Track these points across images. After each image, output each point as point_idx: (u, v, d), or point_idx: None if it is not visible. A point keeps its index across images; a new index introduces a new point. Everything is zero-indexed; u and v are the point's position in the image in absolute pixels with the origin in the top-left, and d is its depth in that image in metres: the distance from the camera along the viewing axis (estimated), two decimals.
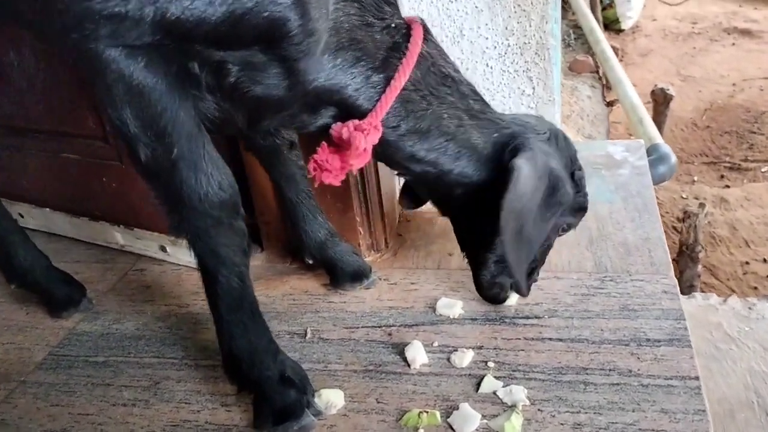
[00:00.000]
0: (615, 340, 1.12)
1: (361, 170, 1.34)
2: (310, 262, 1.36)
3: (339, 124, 0.97)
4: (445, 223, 1.54)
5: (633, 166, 1.61)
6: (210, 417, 1.09)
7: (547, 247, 1.19)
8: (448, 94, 1.03)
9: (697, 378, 1.03)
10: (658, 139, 1.93)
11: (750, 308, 1.78)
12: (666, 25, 5.94)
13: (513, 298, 1.24)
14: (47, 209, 1.70)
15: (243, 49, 0.84)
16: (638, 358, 1.08)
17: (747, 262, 3.17)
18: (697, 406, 0.98)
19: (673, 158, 1.78)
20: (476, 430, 1.00)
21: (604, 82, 3.03)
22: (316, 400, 1.07)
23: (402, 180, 1.50)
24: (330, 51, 0.90)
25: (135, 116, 0.84)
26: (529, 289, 1.17)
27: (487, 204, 1.04)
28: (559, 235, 1.19)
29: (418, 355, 1.13)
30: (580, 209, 1.18)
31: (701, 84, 4.92)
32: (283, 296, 1.36)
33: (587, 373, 1.07)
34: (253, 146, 1.22)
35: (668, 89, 3.53)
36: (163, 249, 1.53)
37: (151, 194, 0.95)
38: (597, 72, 3.08)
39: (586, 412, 1.00)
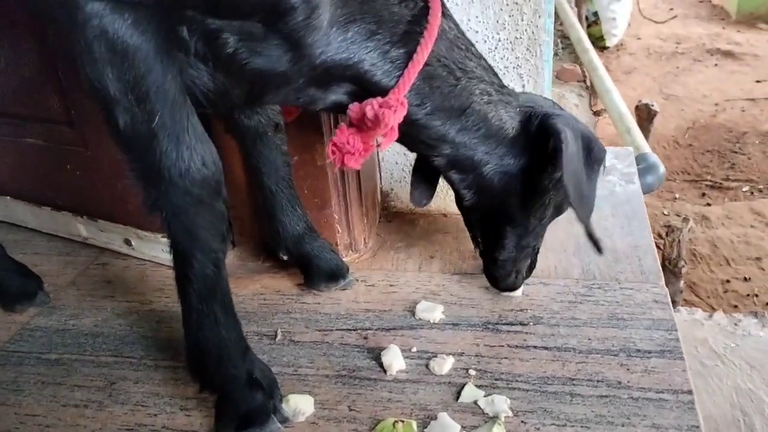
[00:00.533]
0: (603, 350, 1.06)
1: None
2: (285, 258, 1.28)
3: (357, 104, 0.91)
4: (427, 224, 1.48)
5: (622, 173, 1.57)
6: (168, 421, 1.00)
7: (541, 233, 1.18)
8: (475, 68, 0.99)
9: (690, 392, 0.97)
10: (646, 148, 1.89)
11: (736, 324, 1.74)
12: (650, 44, 5.98)
13: (518, 290, 1.21)
14: (8, 197, 1.60)
15: (241, 20, 0.78)
16: (628, 369, 1.02)
17: (728, 281, 3.16)
18: (691, 422, 0.92)
19: (662, 168, 1.74)
20: None
21: (591, 92, 3.01)
22: (283, 405, 0.99)
23: (391, 174, 1.46)
24: (339, 24, 0.84)
25: (116, 77, 0.77)
26: (525, 276, 1.20)
27: (515, 182, 1.05)
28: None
29: (395, 360, 1.06)
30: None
31: (684, 103, 4.95)
32: (253, 295, 1.28)
33: (574, 384, 1.00)
34: (236, 126, 1.14)
35: (653, 105, 3.52)
36: (127, 242, 1.44)
37: (127, 167, 0.87)
38: (584, 81, 3.06)
39: (572, 426, 0.93)
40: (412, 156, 1.46)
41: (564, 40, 3.27)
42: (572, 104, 2.89)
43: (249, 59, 0.82)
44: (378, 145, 0.94)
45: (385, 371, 1.06)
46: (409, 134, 0.97)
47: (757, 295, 3.00)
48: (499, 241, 1.13)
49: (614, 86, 2.39)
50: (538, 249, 1.20)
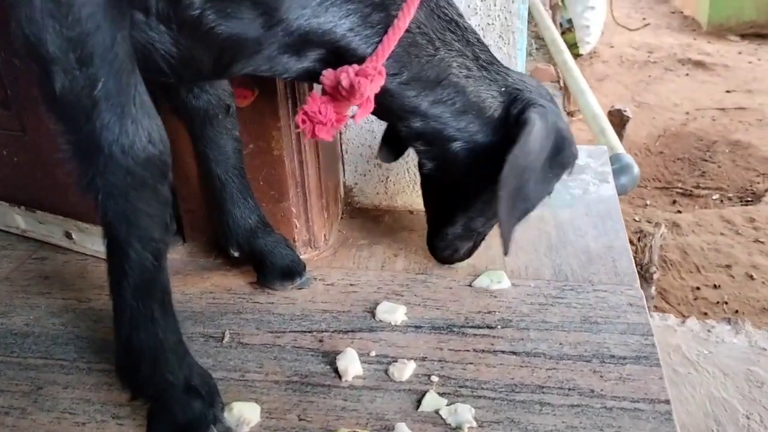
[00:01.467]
0: (575, 355, 0.99)
1: (299, 153, 1.19)
2: (236, 254, 1.18)
3: (331, 70, 0.84)
4: (393, 221, 1.40)
5: (596, 172, 1.50)
6: (97, 431, 0.90)
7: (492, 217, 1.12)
8: (455, 40, 0.93)
9: (667, 401, 0.90)
10: (621, 149, 1.84)
11: (709, 331, 1.69)
12: (623, 52, 6.02)
13: (505, 282, 1.17)
14: None
15: None
16: (601, 376, 0.95)
17: (698, 288, 3.14)
18: None
19: (636, 169, 1.69)
20: None
21: (565, 93, 2.98)
22: (225, 415, 0.90)
23: (356, 168, 1.37)
24: None
25: (57, 33, 0.67)
26: (464, 258, 1.19)
27: (486, 163, 0.98)
28: None
29: (351, 365, 0.98)
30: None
31: (655, 111, 4.97)
32: (201, 294, 1.18)
33: (544, 392, 0.93)
34: (183, 108, 1.04)
35: (625, 110, 3.49)
36: (68, 236, 1.33)
37: (61, 139, 0.77)
38: (558, 82, 3.03)
39: None
40: (376, 149, 1.38)
41: (538, 41, 3.24)
42: None
43: (217, 23, 0.74)
44: (352, 116, 0.87)
45: (340, 377, 0.97)
46: (380, 103, 0.90)
47: (726, 303, 2.98)
48: (449, 217, 1.10)
49: (588, 87, 2.35)
50: (485, 236, 1.17)
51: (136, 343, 0.86)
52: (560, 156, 1.02)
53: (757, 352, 1.61)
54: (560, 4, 5.05)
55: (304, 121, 0.87)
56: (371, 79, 0.82)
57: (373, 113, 0.94)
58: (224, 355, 1.03)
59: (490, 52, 0.99)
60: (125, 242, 0.80)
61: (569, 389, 0.93)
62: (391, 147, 1.17)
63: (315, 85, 1.06)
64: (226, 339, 1.07)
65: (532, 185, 1.00)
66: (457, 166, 1.01)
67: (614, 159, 1.70)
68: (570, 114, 3.01)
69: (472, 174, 1.02)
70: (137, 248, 0.81)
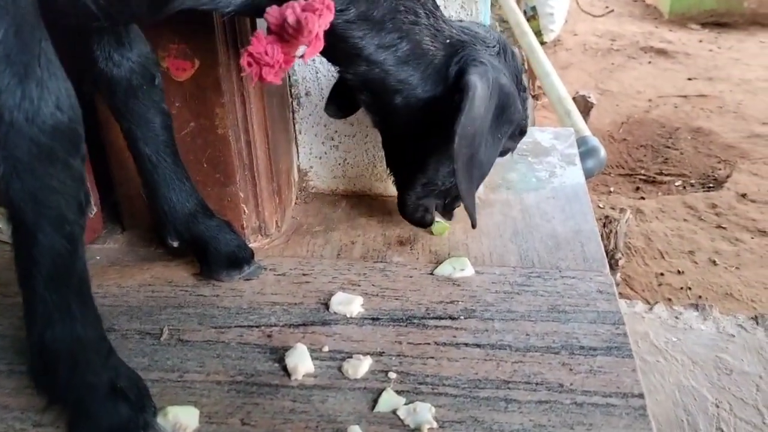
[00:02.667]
0: (543, 347, 0.92)
1: (246, 132, 1.09)
2: (174, 243, 1.08)
3: (275, 7, 0.76)
4: (350, 207, 1.31)
5: (562, 154, 1.44)
6: None
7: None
8: None
9: (641, 395, 0.84)
10: (587, 132, 1.79)
11: (677, 317, 1.65)
12: (586, 40, 6.02)
13: (469, 270, 1.10)
14: None
15: None
16: (571, 369, 0.88)
17: (662, 274, 3.14)
18: (643, 431, 0.79)
19: (602, 152, 1.64)
20: None
21: (530, 76, 2.92)
22: (159, 420, 0.81)
23: (310, 150, 1.28)
24: None
25: None
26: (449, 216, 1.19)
27: (427, 119, 0.96)
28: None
29: (301, 362, 0.89)
30: (521, 133, 1.13)
31: (618, 98, 4.98)
32: (140, 287, 1.08)
33: (509, 388, 0.86)
34: (103, 77, 0.92)
35: (589, 96, 3.47)
36: None
37: None
38: (523, 65, 2.99)
39: None
40: (333, 129, 1.29)
41: (503, 24, 3.17)
42: None
43: None
44: (301, 56, 0.80)
45: (289, 376, 0.89)
46: (327, 44, 0.82)
47: (690, 288, 2.98)
48: (407, 177, 1.07)
49: (553, 69, 2.29)
50: (453, 191, 1.12)
51: (50, 341, 0.75)
52: (506, 113, 1.00)
53: (725, 339, 1.58)
54: None
55: (249, 64, 0.79)
56: (319, 14, 0.75)
57: (322, 53, 0.87)
58: (161, 354, 0.94)
59: (435, 2, 0.95)
60: (34, 225, 0.70)
61: (537, 384, 0.86)
62: (339, 104, 1.14)
63: (260, 26, 0.96)
64: (165, 336, 0.97)
65: (483, 150, 0.98)
66: (400, 122, 0.99)
67: (580, 142, 1.65)
68: (535, 97, 2.98)
69: (414, 130, 0.99)
70: (47, 231, 0.71)
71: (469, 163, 0.95)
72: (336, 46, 0.88)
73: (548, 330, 0.95)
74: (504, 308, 1.00)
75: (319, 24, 0.75)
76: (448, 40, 0.95)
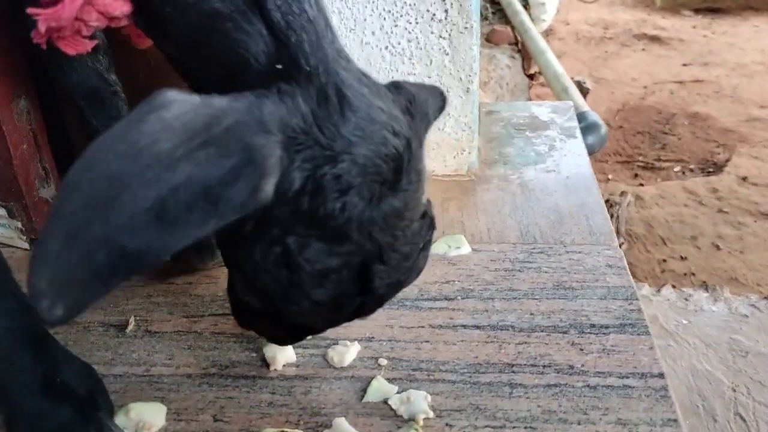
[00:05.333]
0: (549, 326, 0.83)
1: None
2: None
3: None
4: None
5: (561, 128, 1.35)
6: None
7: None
8: None
9: (661, 375, 0.75)
10: (585, 107, 1.71)
11: (686, 299, 1.57)
12: (579, 29, 5.96)
13: (465, 248, 0.99)
14: None
15: None
16: (581, 349, 0.79)
17: (664, 260, 3.06)
18: (666, 414, 0.70)
19: (603, 128, 1.55)
20: None
21: (524, 54, 2.84)
22: (120, 418, 0.71)
23: None
24: None
25: None
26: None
27: None
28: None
29: (281, 351, 0.80)
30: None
31: (613, 86, 4.91)
32: None
33: (514, 372, 0.77)
34: None
35: (585, 82, 3.39)
36: None
37: None
38: (516, 44, 2.90)
39: (513, 427, 0.70)
40: None
41: (494, 5, 3.09)
42: (504, 65, 2.71)
43: None
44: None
45: (267, 366, 0.80)
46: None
47: (694, 274, 2.90)
48: None
49: (548, 47, 2.21)
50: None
51: None
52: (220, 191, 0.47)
53: (738, 320, 1.49)
54: None
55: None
56: None
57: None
58: (126, 347, 0.84)
59: None
60: None
61: (544, 366, 0.77)
62: None
63: None
64: (131, 327, 0.88)
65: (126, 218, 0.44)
66: None
67: (580, 117, 1.56)
68: (530, 77, 2.89)
69: None
70: None
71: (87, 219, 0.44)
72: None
73: (554, 308, 0.86)
74: (505, 287, 0.91)
75: None
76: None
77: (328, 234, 0.55)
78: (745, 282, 2.91)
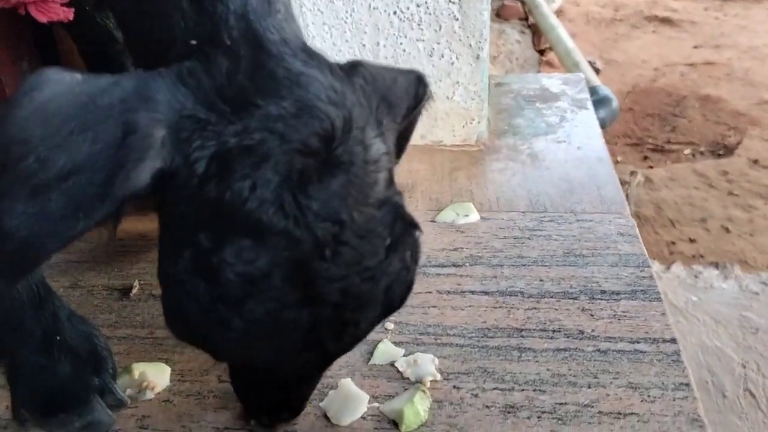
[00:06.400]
0: (559, 292, 0.82)
1: None
2: None
3: None
4: None
5: (573, 99, 1.33)
6: None
7: None
8: None
9: (673, 340, 0.73)
10: (597, 81, 1.68)
11: (696, 276, 1.55)
12: (589, 10, 5.88)
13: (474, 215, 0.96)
14: None
15: None
16: (591, 315, 0.78)
17: (673, 242, 3.04)
18: (678, 378, 0.69)
19: (615, 102, 1.53)
20: (363, 418, 0.66)
21: (534, 30, 2.80)
22: (124, 379, 0.71)
23: None
24: None
25: None
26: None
27: None
28: None
29: None
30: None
31: (624, 68, 4.85)
32: (109, 241, 0.98)
33: (523, 336, 0.76)
34: None
35: (595, 63, 3.35)
36: None
37: None
38: (526, 19, 2.87)
39: (522, 389, 0.68)
40: None
41: None
42: (513, 39, 2.67)
43: None
44: None
45: None
46: None
47: (703, 256, 2.87)
48: None
49: (559, 23, 2.18)
50: None
51: None
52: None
53: (749, 297, 1.48)
54: None
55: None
56: None
57: None
58: (130, 310, 0.83)
59: None
60: None
61: (554, 331, 0.76)
62: None
63: None
64: (135, 291, 0.87)
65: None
66: None
67: (591, 91, 1.53)
68: (541, 52, 2.86)
69: None
70: None
71: None
72: None
73: (564, 275, 0.85)
74: (514, 254, 0.90)
75: None
76: None
77: (246, 225, 0.44)
78: (754, 264, 2.88)
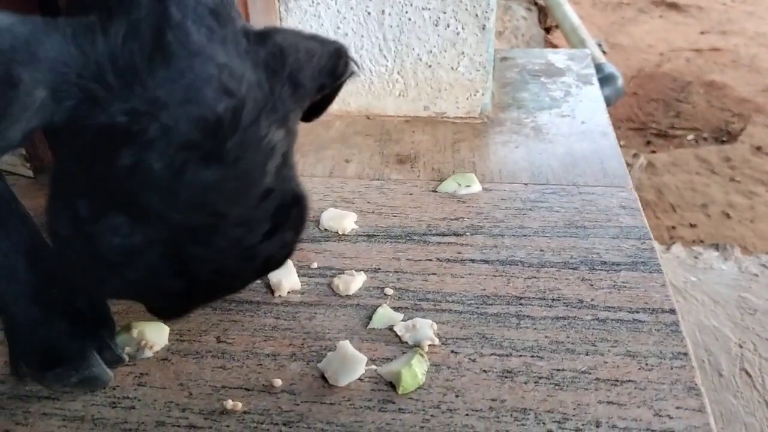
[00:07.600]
0: (559, 262, 0.82)
1: None
2: None
3: None
4: (344, 126, 1.20)
5: (578, 75, 1.32)
6: None
7: None
8: None
9: (672, 311, 0.73)
10: (602, 59, 1.67)
11: (696, 257, 1.55)
12: None
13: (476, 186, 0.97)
14: None
15: None
16: (591, 285, 0.78)
17: (674, 227, 3.04)
18: (676, 348, 0.69)
19: (620, 80, 1.52)
20: (360, 379, 0.67)
21: (540, 7, 2.78)
22: (122, 337, 0.71)
23: None
24: None
25: None
26: None
27: None
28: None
29: (286, 278, 0.79)
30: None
31: (629, 52, 4.82)
32: None
33: (522, 304, 0.75)
34: None
35: (601, 44, 3.32)
36: None
37: None
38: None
39: (520, 355, 0.69)
40: None
41: None
42: (519, 16, 2.65)
43: None
44: None
45: (272, 292, 0.79)
46: None
47: (703, 241, 2.87)
48: None
49: None
50: None
51: None
52: None
53: (748, 279, 1.48)
54: None
55: None
56: None
57: None
58: None
59: None
60: None
61: (553, 300, 0.76)
62: None
63: None
64: None
65: None
66: None
67: (596, 69, 1.52)
68: (547, 30, 2.84)
69: None
70: None
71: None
72: None
73: (565, 246, 0.85)
74: (515, 224, 0.89)
75: None
76: None
77: (123, 203, 0.45)
78: (754, 251, 2.87)
